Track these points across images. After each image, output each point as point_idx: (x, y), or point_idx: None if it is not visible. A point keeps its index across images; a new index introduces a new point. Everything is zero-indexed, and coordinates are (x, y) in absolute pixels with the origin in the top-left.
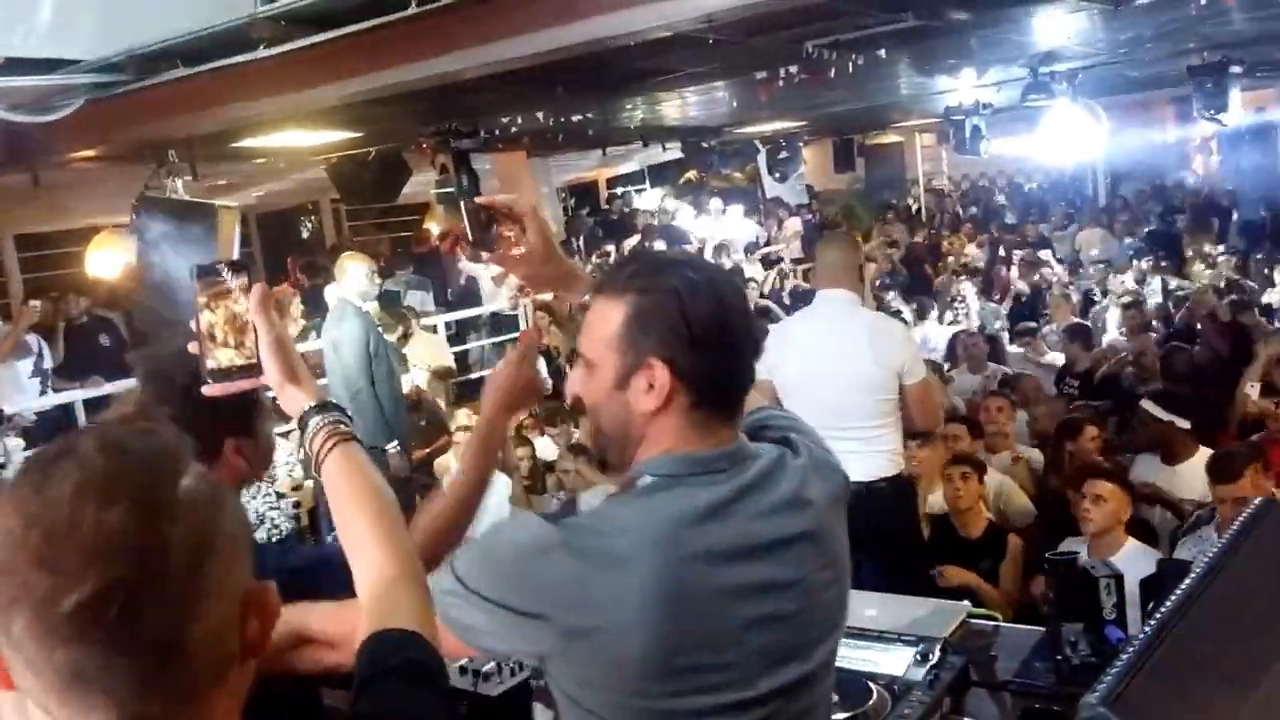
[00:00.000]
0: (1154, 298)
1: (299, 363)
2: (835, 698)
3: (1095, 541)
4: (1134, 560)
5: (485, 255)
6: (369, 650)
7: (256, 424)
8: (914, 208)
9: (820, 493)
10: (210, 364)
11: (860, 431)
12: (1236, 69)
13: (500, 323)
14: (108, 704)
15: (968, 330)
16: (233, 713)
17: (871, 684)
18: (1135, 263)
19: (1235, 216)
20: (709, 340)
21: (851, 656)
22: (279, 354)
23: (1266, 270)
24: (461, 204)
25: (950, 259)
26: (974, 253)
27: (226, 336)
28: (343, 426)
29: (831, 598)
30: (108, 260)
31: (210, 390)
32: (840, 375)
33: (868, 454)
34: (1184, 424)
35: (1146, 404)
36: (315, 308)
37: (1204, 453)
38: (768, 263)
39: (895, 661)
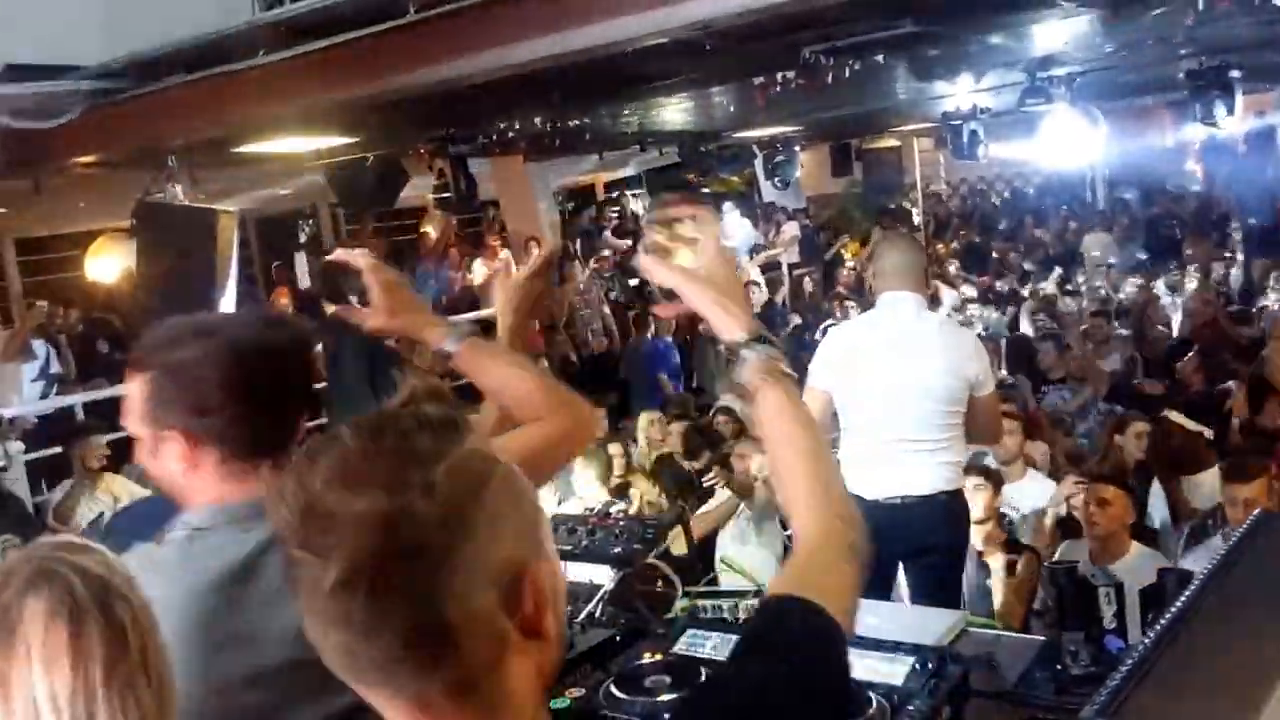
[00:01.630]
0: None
1: (731, 292)
2: None
3: (1099, 546)
4: (1139, 566)
5: (331, 309)
6: (765, 612)
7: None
8: (912, 212)
9: None
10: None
11: (927, 444)
12: (1235, 74)
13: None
14: (386, 684)
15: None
16: (527, 696)
17: (870, 693)
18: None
19: (1234, 223)
20: (226, 404)
21: (850, 665)
22: (704, 282)
23: (1263, 276)
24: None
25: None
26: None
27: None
28: (782, 364)
29: None
30: (107, 264)
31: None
32: (910, 385)
33: (932, 466)
34: (1208, 433)
35: (1173, 415)
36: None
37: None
38: (767, 268)
39: (894, 670)
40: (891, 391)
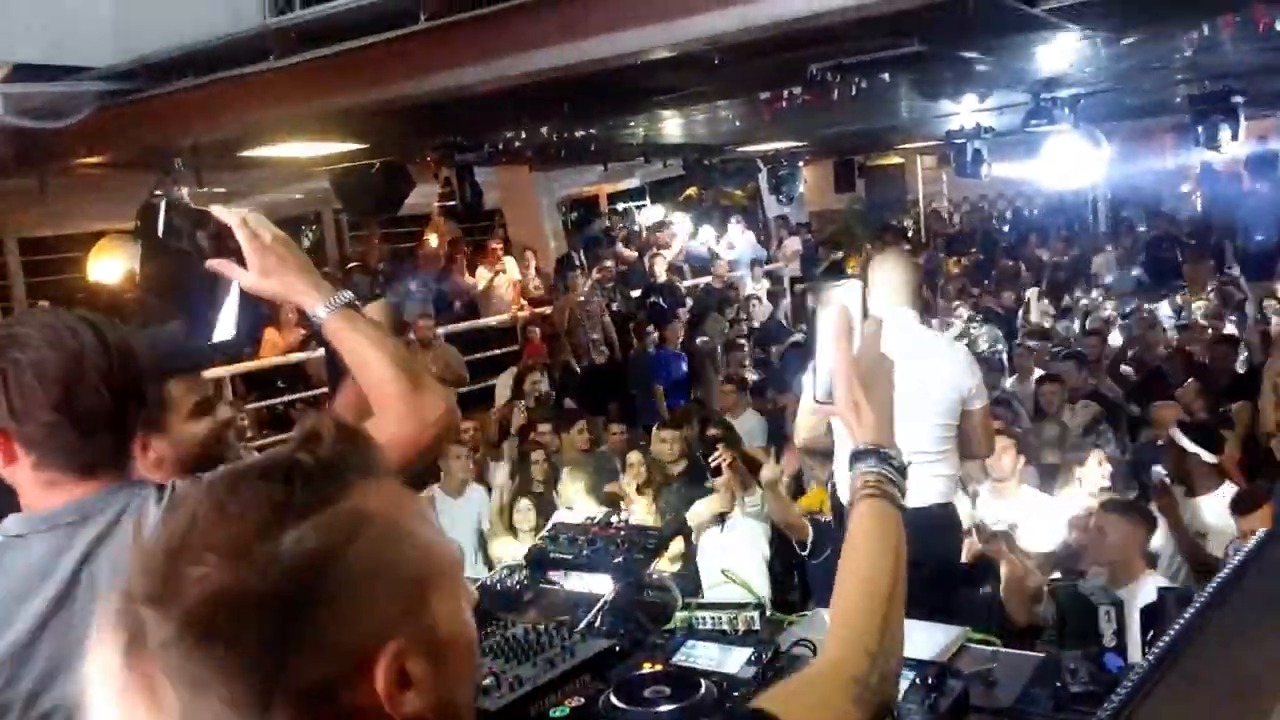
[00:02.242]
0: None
1: (875, 398)
2: None
3: (1110, 571)
4: (1140, 589)
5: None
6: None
7: (168, 423)
8: (911, 229)
9: None
10: None
11: (920, 456)
12: (1238, 99)
13: (498, 334)
14: None
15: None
16: None
17: None
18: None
19: (1231, 245)
20: (42, 414)
21: None
22: (855, 379)
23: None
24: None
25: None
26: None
27: None
28: (886, 481)
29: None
30: (110, 266)
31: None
32: (903, 398)
33: (925, 479)
34: (1210, 458)
35: (1175, 433)
36: None
37: (1229, 487)
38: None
39: None
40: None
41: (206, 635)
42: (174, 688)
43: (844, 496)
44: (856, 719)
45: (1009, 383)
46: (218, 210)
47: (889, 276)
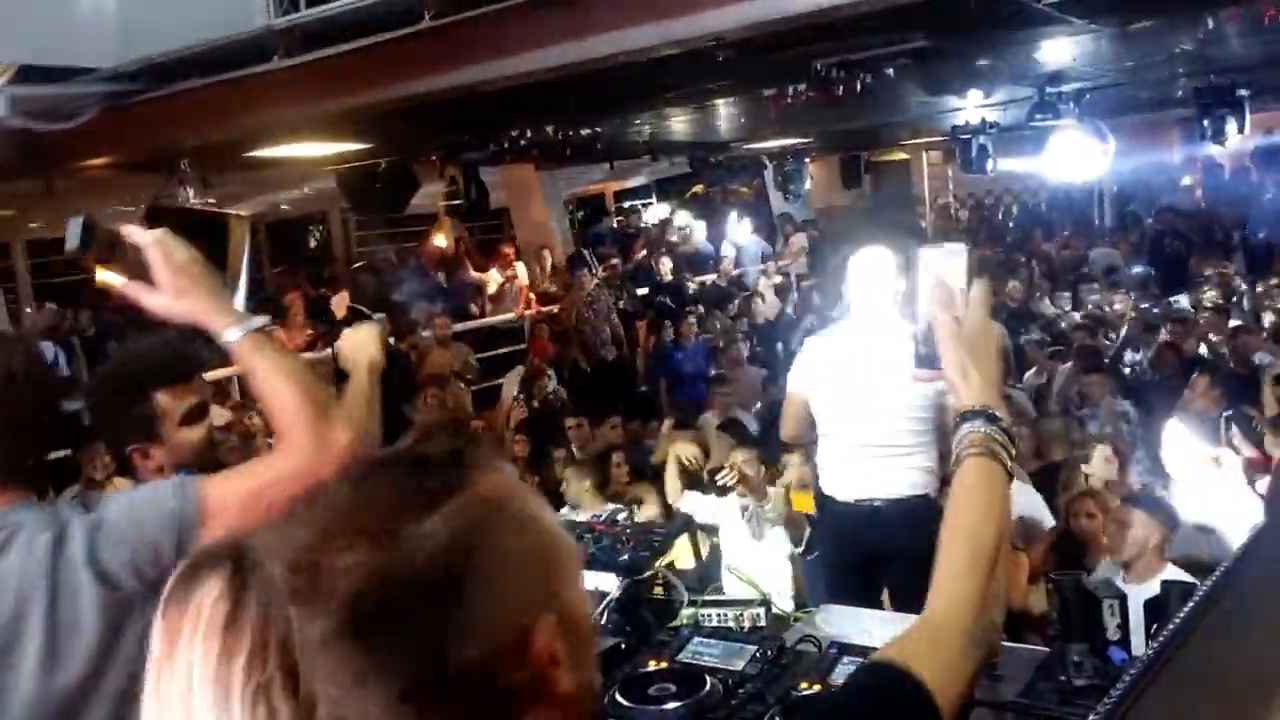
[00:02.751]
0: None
1: (980, 362)
2: None
3: (1128, 568)
4: (1153, 584)
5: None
6: (865, 673)
7: (163, 432)
8: (920, 225)
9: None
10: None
11: (896, 449)
12: (1243, 92)
13: (506, 333)
14: None
15: None
16: None
17: None
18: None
19: (1237, 238)
20: None
21: None
22: (959, 342)
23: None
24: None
25: None
26: None
27: None
28: (993, 441)
29: None
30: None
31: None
32: (878, 392)
33: (900, 470)
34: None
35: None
36: (321, 316)
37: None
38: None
39: None
40: (861, 398)
41: (365, 626)
42: (324, 686)
43: (828, 490)
44: (966, 671)
45: (1028, 376)
46: (129, 230)
47: (863, 273)
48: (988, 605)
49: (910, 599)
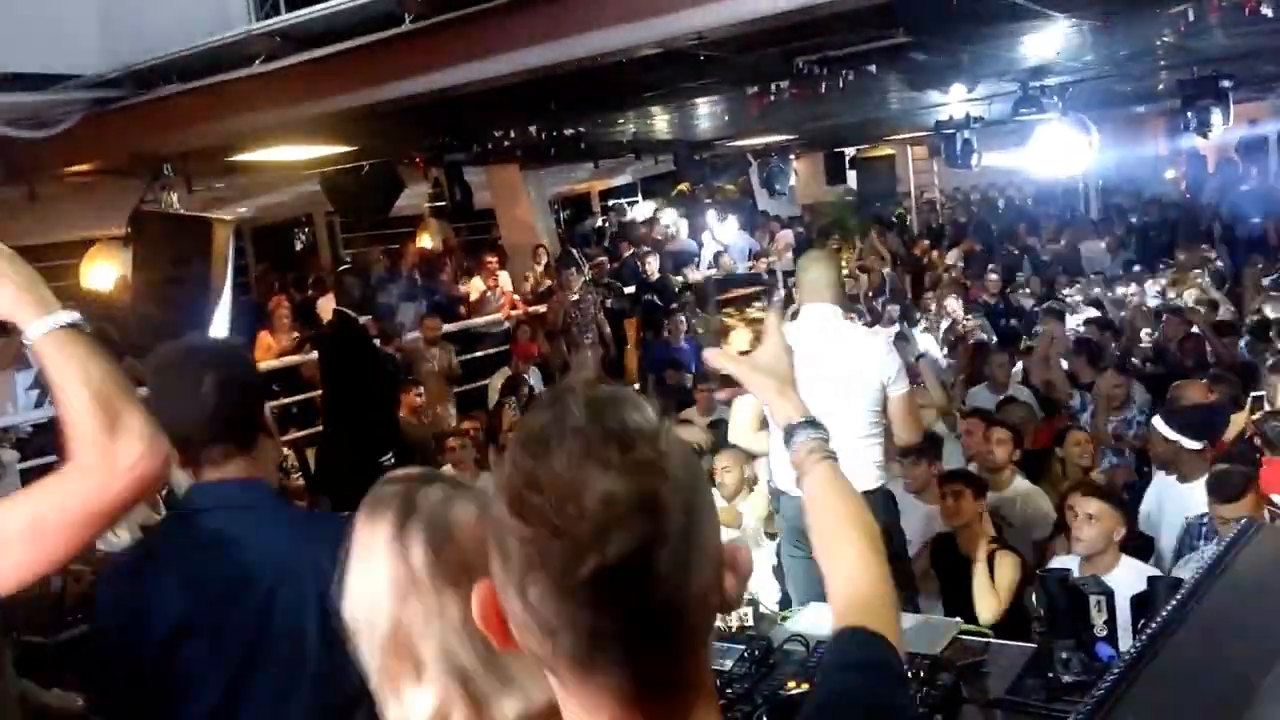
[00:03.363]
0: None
1: (789, 380)
2: None
3: (1087, 559)
4: (1127, 578)
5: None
6: (843, 639)
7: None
8: (906, 219)
9: None
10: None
11: (845, 443)
12: (1226, 83)
13: (492, 335)
14: (623, 665)
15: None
16: (708, 666)
17: None
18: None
19: (1218, 229)
20: None
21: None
22: (765, 372)
23: (1253, 285)
24: None
25: (942, 274)
26: (954, 256)
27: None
28: (828, 445)
29: None
30: (103, 272)
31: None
32: (826, 388)
33: (852, 466)
34: (1192, 445)
35: (1157, 422)
36: (308, 320)
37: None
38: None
39: None
40: (807, 394)
41: (632, 552)
42: (582, 610)
43: (781, 485)
44: (898, 632)
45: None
46: None
47: (811, 275)
48: (889, 574)
49: None
